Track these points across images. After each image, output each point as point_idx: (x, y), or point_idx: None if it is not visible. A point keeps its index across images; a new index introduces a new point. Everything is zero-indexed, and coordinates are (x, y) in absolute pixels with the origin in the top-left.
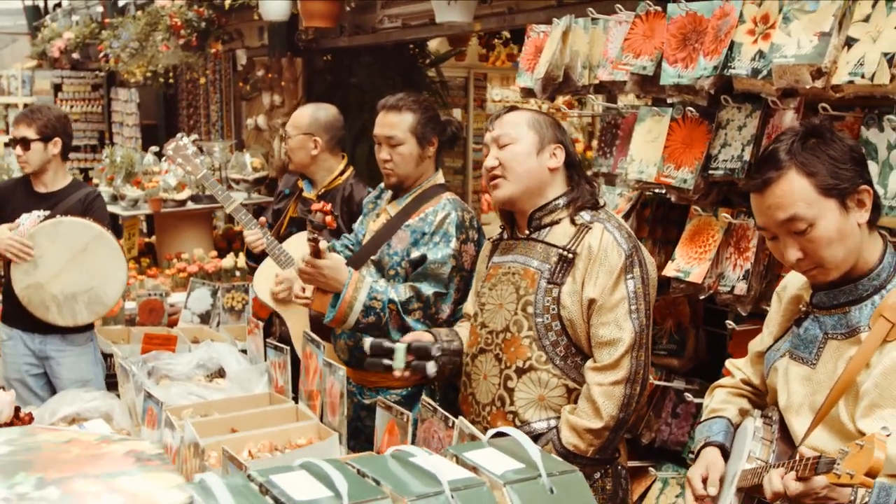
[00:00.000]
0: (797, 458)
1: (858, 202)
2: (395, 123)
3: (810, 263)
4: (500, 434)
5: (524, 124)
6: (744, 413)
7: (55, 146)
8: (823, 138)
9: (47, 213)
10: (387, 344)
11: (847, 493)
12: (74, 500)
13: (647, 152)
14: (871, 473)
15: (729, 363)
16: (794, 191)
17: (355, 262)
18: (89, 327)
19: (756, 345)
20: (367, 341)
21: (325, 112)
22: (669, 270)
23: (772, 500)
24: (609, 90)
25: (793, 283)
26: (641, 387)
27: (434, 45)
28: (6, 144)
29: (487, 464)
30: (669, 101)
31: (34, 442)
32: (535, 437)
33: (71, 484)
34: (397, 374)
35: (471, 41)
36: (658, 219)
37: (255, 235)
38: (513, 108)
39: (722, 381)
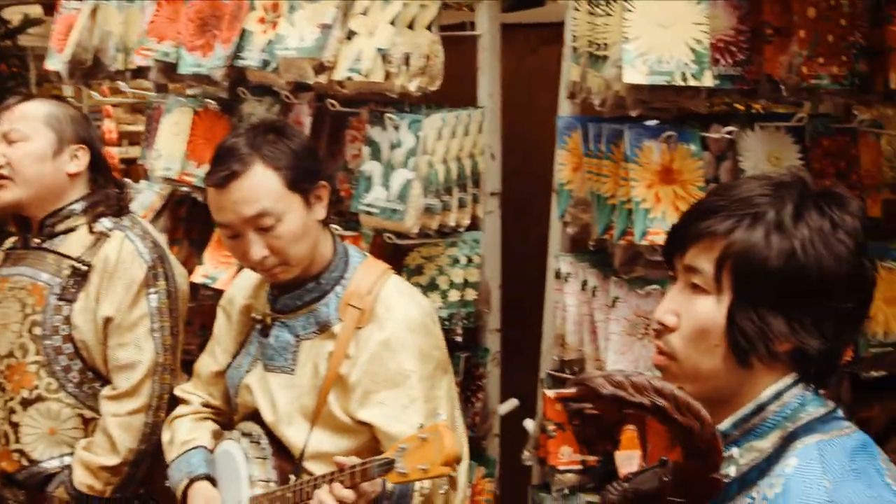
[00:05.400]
0: (341, 469)
1: (317, 198)
2: None
3: (275, 261)
4: None
5: (40, 120)
6: (217, 436)
7: None
8: (283, 133)
9: None
10: None
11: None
12: None
13: (174, 147)
14: (449, 462)
15: (179, 391)
16: (262, 185)
17: None
18: None
19: (208, 364)
20: None
21: None
22: (197, 276)
23: None
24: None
25: (238, 294)
26: (168, 413)
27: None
28: None
29: None
30: (190, 91)
31: None
32: (48, 478)
33: None
34: None
35: None
36: (194, 218)
37: None
38: (27, 98)
39: (178, 410)
